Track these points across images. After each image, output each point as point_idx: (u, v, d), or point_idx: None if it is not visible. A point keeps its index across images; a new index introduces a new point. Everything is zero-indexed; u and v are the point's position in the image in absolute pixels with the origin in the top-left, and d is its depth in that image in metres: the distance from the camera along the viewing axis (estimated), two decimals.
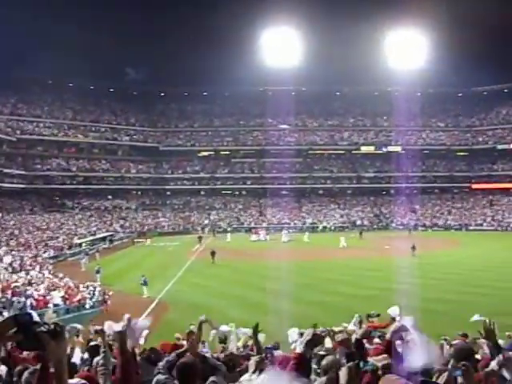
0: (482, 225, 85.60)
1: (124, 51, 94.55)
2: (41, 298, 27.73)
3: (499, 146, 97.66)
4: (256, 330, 9.15)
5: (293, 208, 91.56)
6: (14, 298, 26.40)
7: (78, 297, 29.71)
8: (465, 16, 77.33)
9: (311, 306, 27.53)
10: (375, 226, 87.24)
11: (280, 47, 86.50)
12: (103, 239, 68.92)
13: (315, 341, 4.76)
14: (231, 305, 28.80)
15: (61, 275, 36.04)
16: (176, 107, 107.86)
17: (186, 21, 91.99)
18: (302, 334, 8.30)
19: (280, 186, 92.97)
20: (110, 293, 31.04)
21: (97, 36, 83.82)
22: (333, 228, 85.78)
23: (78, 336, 11.03)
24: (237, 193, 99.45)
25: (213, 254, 49.11)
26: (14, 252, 47.60)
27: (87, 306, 29.18)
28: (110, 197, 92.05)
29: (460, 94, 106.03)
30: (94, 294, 30.41)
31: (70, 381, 4.05)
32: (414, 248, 49.08)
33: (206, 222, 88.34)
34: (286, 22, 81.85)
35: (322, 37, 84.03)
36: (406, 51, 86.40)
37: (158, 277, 38.83)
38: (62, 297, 28.70)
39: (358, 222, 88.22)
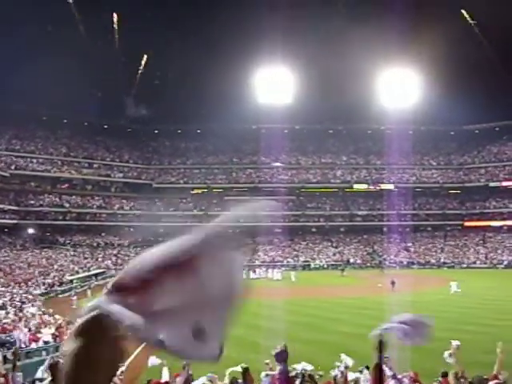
0: (475, 262, 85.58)
1: (119, 89, 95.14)
2: (30, 335, 27.32)
3: (491, 184, 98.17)
4: (245, 372, 9.14)
5: (285, 246, 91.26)
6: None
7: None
8: (457, 55, 78.45)
9: (303, 344, 27.23)
10: (368, 264, 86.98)
11: (273, 85, 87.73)
12: (95, 276, 68.32)
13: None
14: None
15: (51, 311, 35.59)
16: (169, 144, 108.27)
17: (178, 58, 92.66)
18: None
19: (273, 224, 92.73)
20: None
21: (91, 73, 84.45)
22: (325, 266, 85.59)
23: None
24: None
25: None
26: (3, 288, 47.14)
27: None
28: (102, 233, 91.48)
29: (452, 133, 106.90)
30: None
31: None
32: (393, 283, 49.34)
33: None
34: (279, 60, 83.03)
35: (315, 75, 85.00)
36: (399, 89, 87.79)
37: None
38: (53, 334, 28.21)
39: (351, 260, 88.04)
